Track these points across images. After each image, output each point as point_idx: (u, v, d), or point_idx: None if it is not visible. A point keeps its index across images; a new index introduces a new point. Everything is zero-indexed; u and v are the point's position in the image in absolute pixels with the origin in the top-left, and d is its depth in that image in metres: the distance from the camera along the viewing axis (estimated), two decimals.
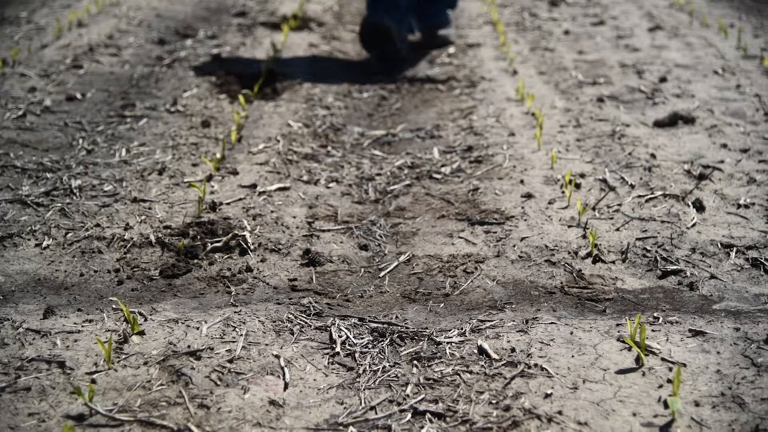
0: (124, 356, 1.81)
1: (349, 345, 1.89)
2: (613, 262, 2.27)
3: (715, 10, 5.02)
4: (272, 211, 2.56)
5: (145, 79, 3.79)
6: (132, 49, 4.25)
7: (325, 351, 1.86)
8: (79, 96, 3.49)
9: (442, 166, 2.94)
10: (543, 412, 1.63)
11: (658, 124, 3.23)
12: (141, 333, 1.90)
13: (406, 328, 1.96)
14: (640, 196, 2.64)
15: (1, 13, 4.82)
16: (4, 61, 3.83)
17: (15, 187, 2.65)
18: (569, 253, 2.32)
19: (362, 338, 1.91)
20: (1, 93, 3.47)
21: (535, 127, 3.20)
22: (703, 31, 4.54)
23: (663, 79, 3.75)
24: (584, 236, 2.40)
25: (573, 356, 1.82)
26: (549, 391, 1.70)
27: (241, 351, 1.84)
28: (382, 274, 2.25)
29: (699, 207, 2.56)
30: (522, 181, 2.77)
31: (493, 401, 1.67)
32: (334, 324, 1.96)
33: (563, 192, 2.67)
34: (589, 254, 2.31)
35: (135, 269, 2.22)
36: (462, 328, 1.95)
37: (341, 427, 1.61)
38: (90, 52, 4.11)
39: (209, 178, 2.76)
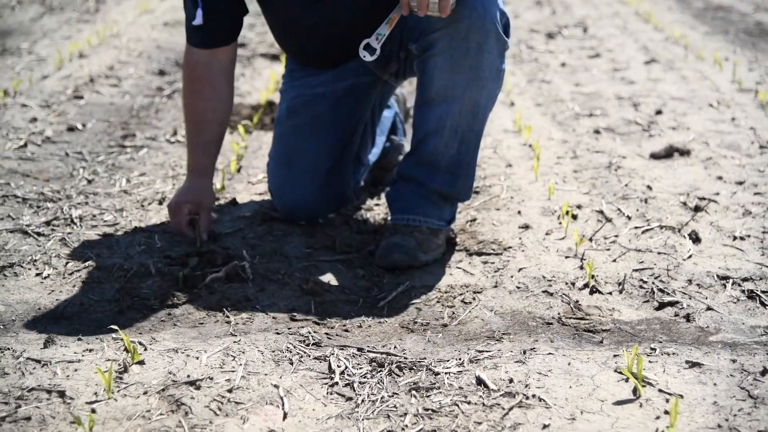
0: (124, 386, 1.82)
1: (348, 375, 1.89)
2: (610, 293, 2.29)
3: (710, 43, 5.07)
4: (271, 241, 2.58)
5: (145, 109, 3.82)
6: (132, 79, 4.28)
7: (324, 381, 1.87)
8: (79, 126, 3.52)
9: None
10: None
11: (654, 156, 3.26)
12: (141, 362, 1.91)
13: (405, 358, 1.97)
14: (636, 228, 2.66)
15: (3, 44, 4.85)
16: (6, 92, 3.85)
17: (16, 216, 2.66)
18: (566, 283, 2.33)
19: (361, 368, 1.92)
20: (3, 123, 3.49)
21: (533, 158, 3.23)
22: (698, 65, 4.58)
23: (659, 112, 3.78)
24: (581, 267, 2.42)
25: (571, 387, 1.83)
26: (547, 422, 1.70)
27: (240, 381, 1.85)
28: (381, 304, 2.27)
29: (695, 239, 2.58)
30: (519, 212, 2.79)
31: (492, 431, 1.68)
32: (333, 354, 1.97)
33: (560, 223, 2.69)
34: (586, 285, 2.32)
35: (135, 299, 2.23)
36: (460, 359, 1.96)
37: None
38: (91, 82, 4.14)
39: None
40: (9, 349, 1.95)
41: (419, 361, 1.95)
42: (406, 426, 1.71)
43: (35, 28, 5.28)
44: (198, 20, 2.44)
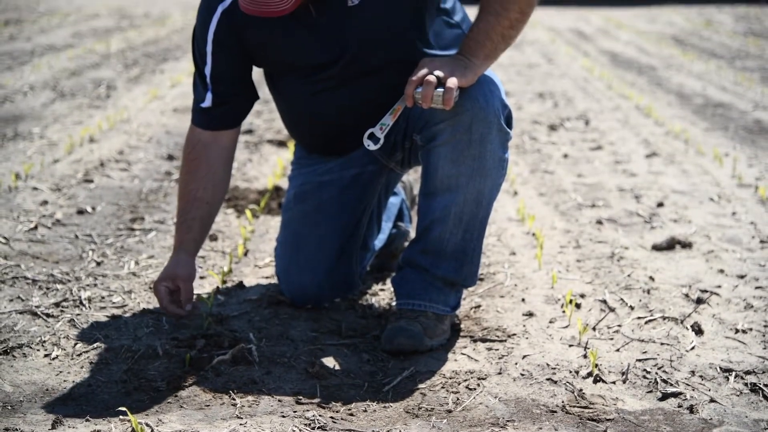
0: None
1: None
2: (614, 383, 2.31)
3: (710, 139, 5.15)
4: (278, 324, 2.60)
5: (153, 193, 3.87)
6: (142, 164, 4.35)
7: None
8: (89, 209, 3.57)
9: None
10: None
11: (657, 247, 3.30)
12: None
13: None
14: (639, 318, 2.69)
15: (15, 128, 4.94)
16: (17, 175, 3.92)
17: (25, 298, 2.69)
18: (570, 372, 2.35)
19: None
20: (14, 206, 3.54)
21: (536, 246, 3.27)
22: (699, 159, 4.65)
23: (660, 204, 3.83)
24: (585, 356, 2.44)
25: None
26: None
27: None
28: (386, 388, 2.28)
29: (698, 330, 2.60)
30: (523, 300, 2.82)
31: None
32: None
33: (564, 311, 2.71)
34: (589, 374, 2.34)
35: (142, 380, 2.25)
36: None
37: None
38: (101, 166, 4.21)
39: (216, 291, 2.81)
40: (17, 430, 1.96)
41: None
42: None
43: (47, 113, 5.38)
44: (207, 103, 2.52)
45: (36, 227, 3.32)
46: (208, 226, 2.60)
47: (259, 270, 3.05)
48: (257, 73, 2.61)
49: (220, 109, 2.53)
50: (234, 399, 2.18)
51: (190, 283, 2.50)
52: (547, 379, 2.31)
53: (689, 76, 7.34)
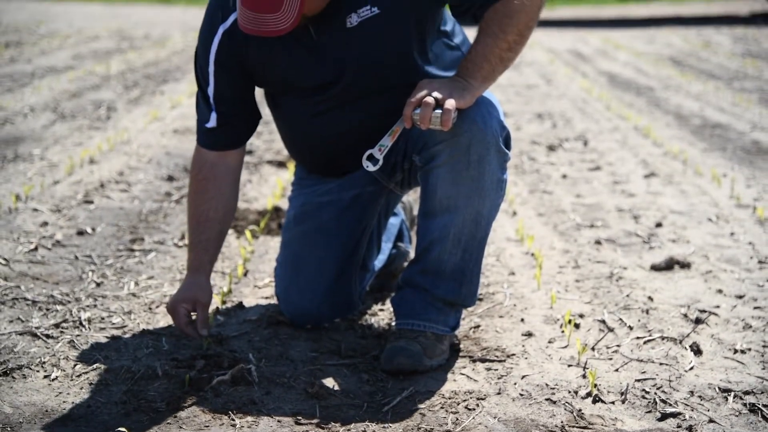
0: None
1: None
2: (613, 403, 2.31)
3: (709, 159, 5.17)
4: (277, 345, 2.61)
5: (153, 214, 3.88)
6: (141, 185, 4.36)
7: None
8: (89, 230, 3.58)
9: None
10: None
11: (655, 267, 3.30)
12: None
13: None
14: (638, 338, 2.69)
15: (15, 150, 4.96)
16: (18, 197, 3.93)
17: (25, 319, 2.70)
18: (569, 392, 2.35)
19: None
20: (14, 227, 3.55)
21: (535, 267, 3.28)
22: (697, 180, 4.66)
23: (659, 225, 3.84)
24: (584, 376, 2.44)
25: None
26: None
27: None
28: (385, 409, 2.28)
29: (696, 350, 2.61)
30: (522, 320, 2.82)
31: None
32: None
33: (563, 331, 2.72)
34: (588, 394, 2.34)
35: (141, 401, 2.25)
36: None
37: None
38: (101, 188, 4.22)
39: (216, 311, 2.82)
40: None
41: None
42: None
43: (47, 135, 5.40)
44: (211, 123, 2.54)
45: (36, 248, 3.32)
46: (220, 247, 2.63)
47: (259, 290, 3.06)
48: (258, 93, 2.62)
49: (224, 129, 2.55)
50: (233, 419, 2.18)
51: (208, 307, 2.55)
52: (546, 399, 2.32)
53: (687, 97, 7.37)
